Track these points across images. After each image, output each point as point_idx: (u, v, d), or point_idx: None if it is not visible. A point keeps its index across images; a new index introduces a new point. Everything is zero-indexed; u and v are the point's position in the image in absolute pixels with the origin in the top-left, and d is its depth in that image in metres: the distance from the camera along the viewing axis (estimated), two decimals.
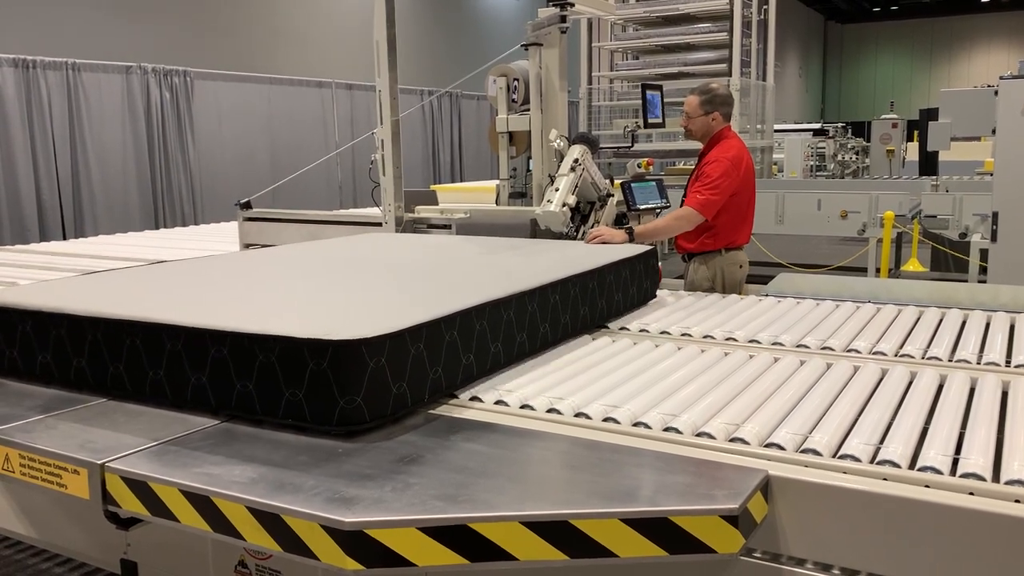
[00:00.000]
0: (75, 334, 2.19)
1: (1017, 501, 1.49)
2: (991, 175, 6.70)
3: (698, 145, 4.28)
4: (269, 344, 1.87)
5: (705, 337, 2.69)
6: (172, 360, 2.03)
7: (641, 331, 2.78)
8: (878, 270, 8.08)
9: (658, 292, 3.52)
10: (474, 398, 2.12)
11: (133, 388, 2.11)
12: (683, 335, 2.72)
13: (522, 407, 2.05)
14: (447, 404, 2.10)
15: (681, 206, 4.07)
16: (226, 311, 2.18)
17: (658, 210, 4.46)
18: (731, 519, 1.46)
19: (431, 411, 2.04)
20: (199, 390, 2.00)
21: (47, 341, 2.24)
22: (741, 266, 4.14)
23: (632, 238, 3.77)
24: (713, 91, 4.18)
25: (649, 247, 3.33)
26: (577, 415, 1.98)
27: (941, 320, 2.84)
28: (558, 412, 2.00)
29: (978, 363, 2.35)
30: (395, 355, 1.91)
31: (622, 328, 2.82)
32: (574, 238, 3.88)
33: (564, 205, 3.65)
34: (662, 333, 2.75)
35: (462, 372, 2.15)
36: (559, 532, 1.46)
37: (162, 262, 3.47)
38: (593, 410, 1.98)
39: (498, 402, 2.08)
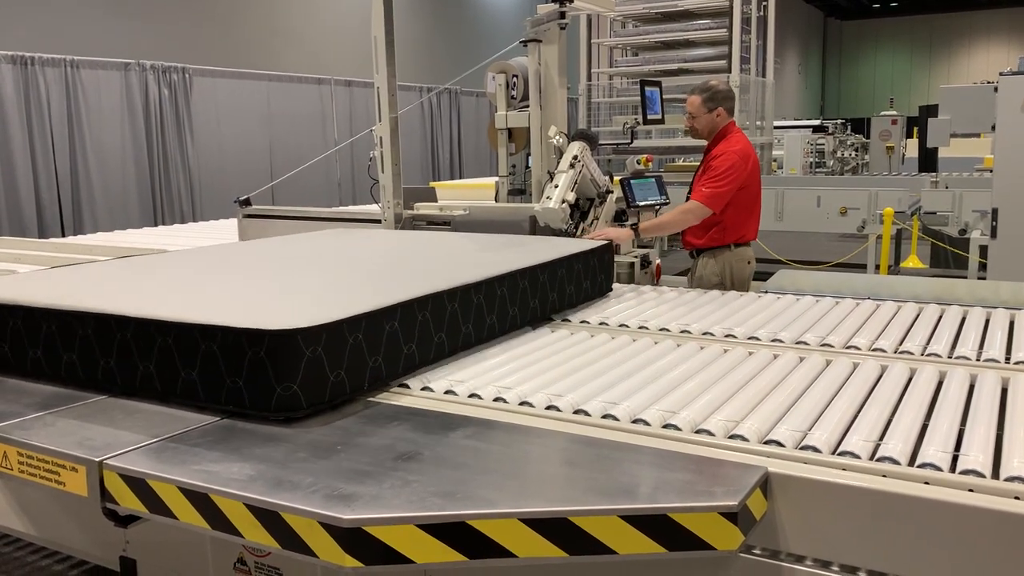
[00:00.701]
0: (30, 325, 2.24)
1: (1017, 498, 1.49)
2: (991, 171, 6.70)
3: (696, 141, 4.28)
4: (211, 334, 1.95)
5: (704, 334, 2.69)
6: (122, 349, 2.09)
7: (640, 327, 2.78)
8: (878, 267, 8.08)
9: (659, 289, 3.52)
10: (473, 395, 2.12)
11: (86, 377, 2.17)
12: (682, 332, 2.71)
13: (521, 403, 2.04)
14: (442, 400, 2.10)
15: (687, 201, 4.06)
16: (175, 302, 2.23)
17: (658, 206, 4.45)
18: (730, 516, 1.46)
19: (438, 409, 2.04)
20: (147, 378, 2.06)
21: (5, 332, 2.29)
22: (749, 262, 4.14)
23: (638, 235, 3.77)
24: (713, 88, 4.17)
25: (604, 242, 3.37)
26: (576, 412, 1.98)
27: (941, 317, 2.84)
28: (557, 409, 2.00)
29: (978, 360, 2.35)
30: (332, 344, 1.97)
31: (621, 325, 2.82)
32: (573, 235, 3.87)
33: (563, 202, 3.64)
34: (661, 330, 2.74)
35: (404, 361, 2.22)
36: (558, 529, 1.46)
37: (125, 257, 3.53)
38: (592, 407, 1.98)
39: (497, 399, 2.08)
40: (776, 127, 13.31)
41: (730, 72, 9.14)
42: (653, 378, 2.20)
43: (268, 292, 2.46)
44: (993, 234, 6.00)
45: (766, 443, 1.76)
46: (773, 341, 2.59)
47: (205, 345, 1.95)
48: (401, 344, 2.20)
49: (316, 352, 1.92)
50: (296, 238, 3.78)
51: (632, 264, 4.09)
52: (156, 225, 9.36)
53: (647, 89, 5.21)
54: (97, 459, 1.70)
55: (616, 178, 4.28)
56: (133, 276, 2.75)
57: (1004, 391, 2.09)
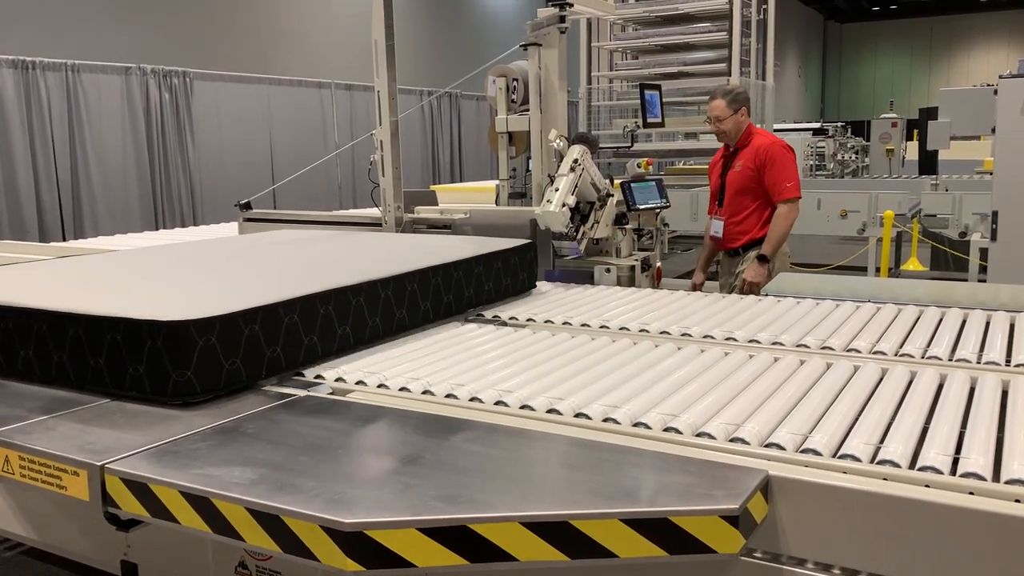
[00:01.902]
0: None
1: (1017, 501, 1.49)
2: (991, 174, 6.70)
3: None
4: (115, 325, 2.12)
5: (705, 337, 2.69)
6: (39, 341, 2.22)
7: (641, 331, 2.78)
8: (878, 269, 8.08)
9: (659, 290, 3.52)
10: (474, 398, 2.12)
11: (8, 367, 2.30)
12: (683, 335, 2.72)
13: (522, 407, 2.05)
14: (443, 403, 2.10)
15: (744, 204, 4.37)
16: (89, 297, 2.41)
17: (658, 210, 4.46)
18: (731, 519, 1.46)
19: (439, 412, 2.04)
20: (61, 367, 2.20)
21: None
22: (788, 255, 4.28)
23: (768, 261, 4.20)
24: (735, 89, 4.30)
25: (528, 241, 3.50)
26: (577, 415, 1.98)
27: (941, 319, 2.84)
28: (558, 412, 2.00)
29: (978, 362, 2.35)
30: (226, 335, 2.13)
31: (622, 328, 2.82)
32: (574, 238, 3.88)
33: (564, 205, 3.64)
34: (662, 333, 2.75)
35: (304, 352, 2.37)
36: (559, 532, 1.46)
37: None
38: (593, 410, 1.98)
39: (498, 402, 2.08)
40: (776, 130, 13.30)
41: (730, 75, 9.14)
42: (654, 381, 2.20)
43: (181, 287, 2.66)
44: (993, 237, 6.01)
45: (767, 446, 1.77)
46: (773, 344, 2.59)
47: (111, 336, 2.12)
48: (302, 335, 2.36)
49: (209, 342, 2.08)
50: (234, 238, 4.02)
51: (633, 267, 4.09)
52: (157, 229, 9.37)
53: (647, 92, 5.22)
54: (99, 463, 1.70)
55: (616, 181, 4.29)
56: (60, 273, 2.93)
57: (1004, 394, 2.09)
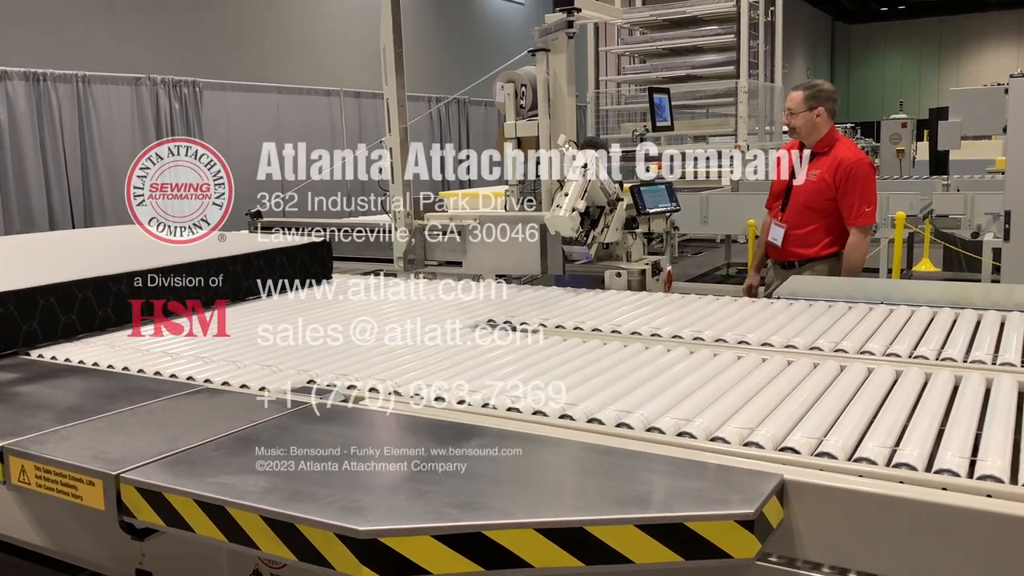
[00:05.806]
0: None
1: None
2: (1002, 174, 6.66)
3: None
4: None
5: (717, 341, 2.68)
6: None
7: (653, 335, 2.77)
8: (890, 271, 8.04)
9: (670, 295, 3.51)
10: (487, 405, 2.12)
11: None
12: (695, 339, 2.71)
13: (534, 413, 2.04)
14: (454, 409, 2.10)
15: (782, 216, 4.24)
16: None
17: (668, 214, 4.44)
18: (747, 524, 1.45)
19: (452, 419, 2.03)
20: None
21: None
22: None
23: None
24: (817, 86, 4.20)
25: (321, 240, 4.04)
26: (590, 421, 1.97)
27: (955, 321, 2.82)
28: (570, 418, 2.00)
29: (993, 364, 2.34)
30: None
31: (633, 332, 2.82)
32: (584, 243, 3.87)
33: (573, 210, 3.64)
34: (674, 337, 2.74)
35: (62, 329, 2.84)
36: (574, 539, 1.45)
37: None
38: (606, 415, 1.98)
39: (510, 408, 2.08)
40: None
41: (738, 77, 9.14)
42: (666, 386, 2.20)
43: None
44: (1006, 236, 5.97)
45: (781, 450, 1.76)
46: (786, 347, 2.58)
47: None
48: (59, 315, 2.81)
49: None
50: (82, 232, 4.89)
51: (643, 271, 4.08)
52: None
53: (655, 96, 5.22)
54: (114, 473, 1.71)
55: (626, 186, 4.28)
56: None
57: (1021, 395, 2.07)
